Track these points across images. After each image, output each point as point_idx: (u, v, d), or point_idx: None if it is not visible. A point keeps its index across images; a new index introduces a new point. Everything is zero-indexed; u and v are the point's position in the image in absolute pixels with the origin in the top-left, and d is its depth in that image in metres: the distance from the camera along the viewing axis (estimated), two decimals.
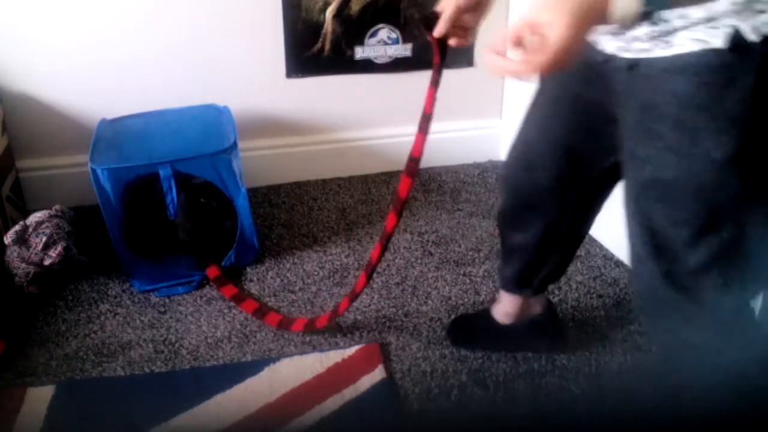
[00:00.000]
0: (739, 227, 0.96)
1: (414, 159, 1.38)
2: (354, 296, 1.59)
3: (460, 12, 1.12)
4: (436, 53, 1.22)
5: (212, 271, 1.83)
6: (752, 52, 0.83)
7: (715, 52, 0.84)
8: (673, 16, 0.87)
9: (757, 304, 1.55)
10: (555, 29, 0.82)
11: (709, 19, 0.84)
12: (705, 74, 0.87)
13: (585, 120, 1.17)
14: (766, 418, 1.12)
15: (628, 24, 0.86)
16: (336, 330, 1.70)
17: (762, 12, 0.81)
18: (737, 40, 0.83)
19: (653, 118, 0.95)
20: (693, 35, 0.86)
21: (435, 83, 1.30)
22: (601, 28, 0.93)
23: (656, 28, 0.89)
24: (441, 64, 1.25)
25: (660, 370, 1.31)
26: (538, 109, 1.27)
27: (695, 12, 0.84)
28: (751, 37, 0.82)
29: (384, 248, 1.49)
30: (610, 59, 1.01)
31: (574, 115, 1.19)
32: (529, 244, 1.41)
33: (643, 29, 0.91)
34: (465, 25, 1.16)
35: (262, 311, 1.74)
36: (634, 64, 0.95)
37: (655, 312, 1.11)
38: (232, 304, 1.79)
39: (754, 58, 0.83)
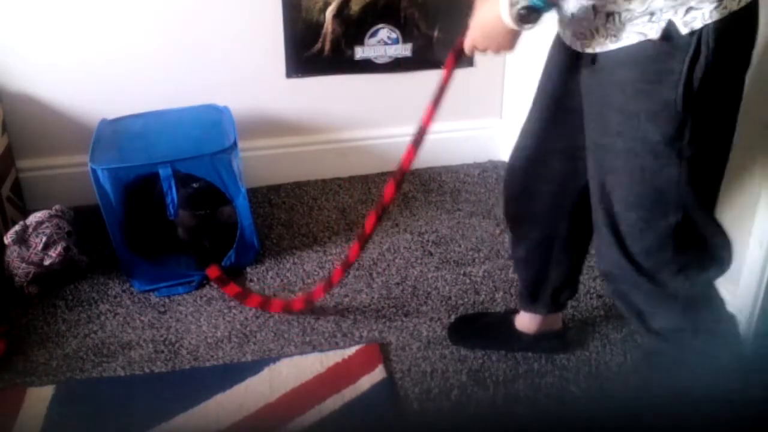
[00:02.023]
0: (685, 211, 1.03)
1: (403, 171, 1.46)
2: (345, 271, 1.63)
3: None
4: (447, 75, 1.33)
5: (213, 271, 1.83)
6: (684, 43, 0.94)
7: (652, 42, 0.96)
8: (621, 10, 0.97)
9: (755, 312, 1.55)
10: (484, 46, 1.14)
11: (650, 14, 0.95)
12: (644, 62, 0.98)
13: (570, 122, 1.22)
14: (755, 417, 1.13)
15: (527, 24, 1.03)
16: (336, 330, 1.70)
17: (693, 9, 0.93)
18: (670, 33, 0.94)
19: (606, 107, 1.05)
20: (636, 29, 0.97)
21: (436, 103, 1.40)
22: (566, 29, 1.10)
23: (609, 24, 1.00)
24: (446, 86, 1.37)
25: (640, 366, 1.34)
26: (531, 121, 1.34)
27: (637, 7, 0.95)
28: (683, 30, 0.93)
29: (362, 249, 1.56)
30: (580, 57, 1.11)
31: (561, 120, 1.26)
32: (529, 254, 1.44)
33: (600, 22, 1.01)
34: None
35: (266, 302, 1.75)
36: (594, 59, 1.06)
37: (624, 292, 1.16)
38: (232, 303, 1.79)
39: (685, 49, 0.94)
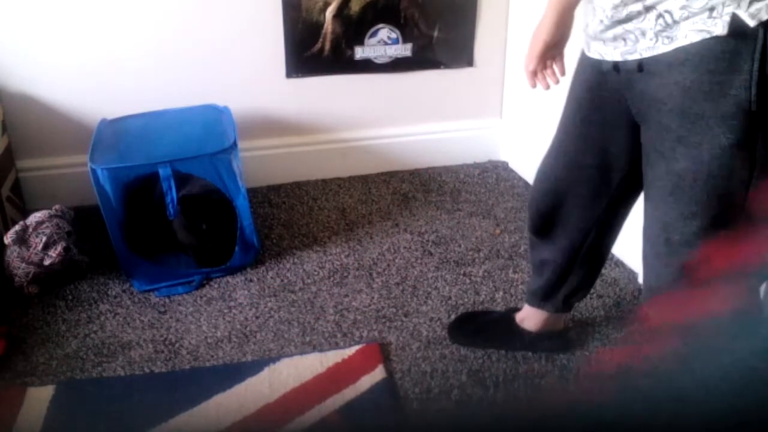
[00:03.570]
0: (741, 219, 0.97)
1: None
2: None
3: (547, 47, 1.20)
4: None
5: None
6: (751, 37, 0.86)
7: (716, 39, 0.88)
8: (676, 7, 0.90)
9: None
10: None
11: (710, 9, 0.88)
12: (709, 62, 0.90)
13: (600, 135, 1.21)
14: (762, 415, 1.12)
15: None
16: (336, 330, 1.70)
17: (756, 0, 0.85)
18: (737, 27, 0.86)
19: (663, 113, 0.98)
20: (694, 26, 0.89)
21: None
22: (599, 37, 1.03)
23: (660, 21, 0.93)
24: None
25: (669, 369, 1.33)
26: (562, 132, 1.31)
27: (696, 2, 0.88)
28: (750, 22, 0.86)
29: None
30: (617, 66, 1.05)
31: (591, 135, 1.24)
32: (556, 257, 1.44)
33: (649, 24, 0.95)
34: (552, 58, 1.24)
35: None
36: (641, 65, 0.99)
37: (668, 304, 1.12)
38: (232, 303, 1.79)
39: (754, 43, 0.86)
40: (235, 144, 1.84)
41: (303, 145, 2.40)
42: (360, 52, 2.31)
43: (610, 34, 1.03)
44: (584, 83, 1.21)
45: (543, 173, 1.38)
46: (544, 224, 1.42)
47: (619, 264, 1.93)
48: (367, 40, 2.29)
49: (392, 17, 2.28)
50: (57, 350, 1.64)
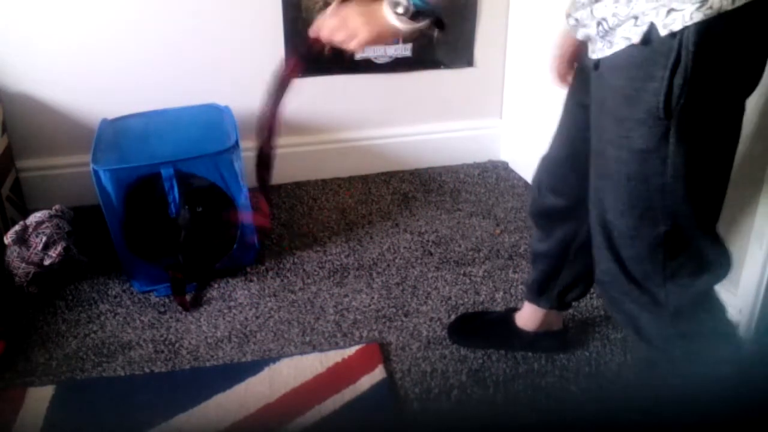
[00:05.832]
0: (674, 220, 1.01)
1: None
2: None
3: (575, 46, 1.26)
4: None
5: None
6: (666, 46, 0.89)
7: (635, 47, 0.92)
8: (608, 14, 0.95)
9: (755, 312, 1.55)
10: (358, 35, 1.15)
11: (634, 17, 0.92)
12: (629, 68, 0.95)
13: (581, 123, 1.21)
14: (760, 413, 1.12)
15: (410, 34, 1.10)
16: (336, 330, 1.70)
17: (674, 10, 0.88)
18: (650, 36, 0.90)
19: (602, 113, 1.03)
20: (623, 34, 0.94)
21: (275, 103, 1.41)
22: (581, 33, 1.07)
23: (600, 28, 0.98)
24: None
25: (639, 370, 1.34)
26: (561, 125, 1.33)
27: (622, 10, 0.92)
28: (663, 32, 0.89)
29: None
30: (591, 63, 1.08)
31: (585, 122, 1.22)
32: (550, 250, 1.45)
33: (593, 30, 0.99)
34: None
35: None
36: (596, 64, 1.03)
37: (615, 299, 1.15)
38: (232, 303, 1.79)
39: (667, 53, 0.90)
40: (237, 144, 1.84)
41: (303, 145, 2.40)
42: (360, 52, 2.31)
43: (580, 33, 1.08)
44: (581, 69, 1.23)
45: (547, 152, 1.38)
46: (541, 208, 1.43)
47: None
48: None
49: None
50: (57, 350, 1.64)
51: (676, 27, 0.88)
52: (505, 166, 2.55)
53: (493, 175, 2.48)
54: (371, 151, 2.47)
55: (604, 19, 0.96)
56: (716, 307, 1.13)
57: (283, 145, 2.38)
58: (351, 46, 1.19)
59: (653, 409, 1.29)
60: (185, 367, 1.59)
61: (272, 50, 2.24)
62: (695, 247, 1.04)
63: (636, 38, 0.92)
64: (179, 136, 1.93)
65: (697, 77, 0.90)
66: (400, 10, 1.07)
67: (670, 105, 0.92)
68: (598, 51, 1.01)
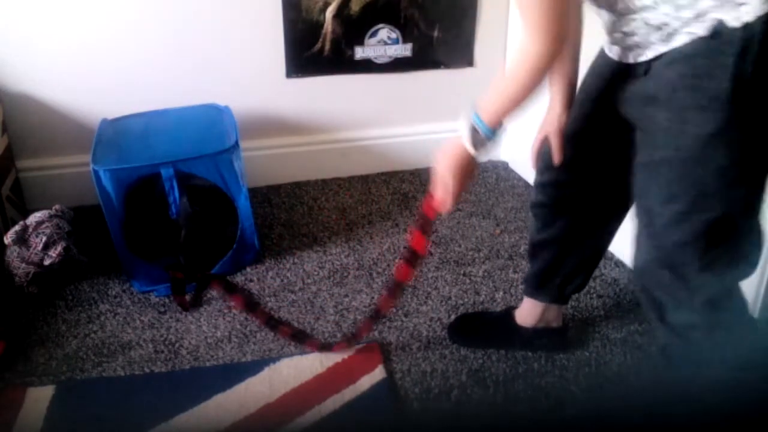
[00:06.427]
0: (724, 207, 1.04)
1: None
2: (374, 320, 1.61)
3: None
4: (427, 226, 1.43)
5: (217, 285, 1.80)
6: (732, 36, 0.96)
7: (701, 39, 0.98)
8: (669, 19, 1.01)
9: (757, 303, 1.55)
10: (450, 186, 1.30)
11: (698, 16, 0.98)
12: (694, 58, 1.00)
13: (606, 124, 1.26)
14: (761, 414, 1.12)
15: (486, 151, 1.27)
16: (336, 330, 1.70)
17: (742, 4, 0.96)
18: (718, 29, 0.97)
19: (653, 106, 1.07)
20: (686, 29, 1.00)
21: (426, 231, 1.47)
22: (615, 44, 1.16)
23: (661, 33, 1.03)
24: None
25: (657, 361, 1.34)
26: (573, 120, 1.36)
27: (686, 13, 0.98)
28: (733, 24, 0.95)
29: (393, 297, 1.56)
30: (631, 67, 1.13)
31: (598, 121, 1.30)
32: (551, 241, 1.47)
33: (648, 36, 1.05)
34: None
35: (273, 323, 1.66)
36: (647, 68, 1.09)
37: (647, 285, 1.17)
38: (232, 303, 1.79)
39: (734, 43, 0.96)
40: (236, 144, 1.84)
41: (303, 145, 2.40)
42: (360, 52, 2.31)
43: (625, 42, 1.12)
44: (602, 68, 1.26)
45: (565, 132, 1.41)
46: (549, 193, 1.44)
47: (619, 264, 1.93)
48: (367, 40, 2.29)
49: (392, 17, 2.28)
50: (57, 350, 1.64)
51: (749, 18, 0.95)
52: (505, 166, 2.55)
53: (493, 175, 2.48)
54: (371, 151, 2.47)
55: (665, 24, 1.02)
56: (741, 299, 1.15)
57: (283, 145, 2.40)
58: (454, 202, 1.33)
59: (653, 409, 1.29)
60: (185, 367, 1.59)
61: (272, 50, 2.24)
62: (737, 236, 1.07)
63: (702, 32, 0.98)
64: (179, 136, 1.93)
65: (762, 63, 0.96)
66: (479, 142, 1.26)
67: (738, 91, 0.97)
68: (649, 53, 1.07)
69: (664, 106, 1.05)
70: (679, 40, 1.01)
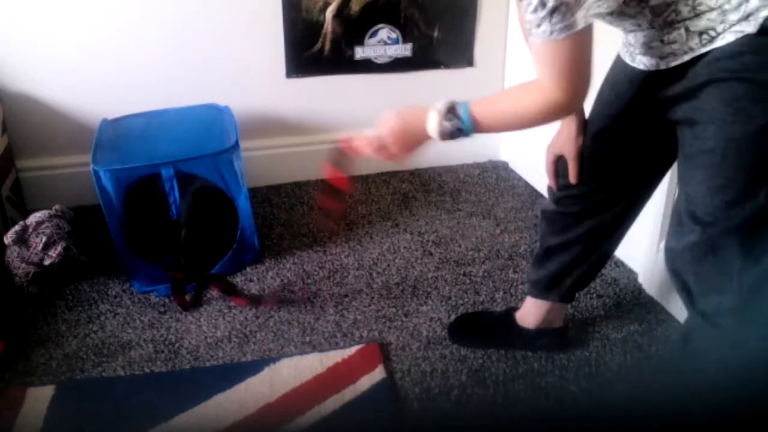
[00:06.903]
0: None
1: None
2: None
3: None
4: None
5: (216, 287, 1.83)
6: None
7: (748, 37, 1.00)
8: (715, 24, 1.02)
9: None
10: (395, 151, 1.32)
11: (746, 16, 1.00)
12: (743, 53, 1.01)
13: (631, 130, 1.27)
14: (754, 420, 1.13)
15: (446, 137, 1.21)
16: (336, 330, 1.70)
17: None
18: (766, 25, 0.99)
19: (699, 100, 1.08)
20: (732, 30, 1.01)
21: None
22: (641, 55, 1.17)
23: (705, 36, 1.05)
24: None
25: (678, 351, 1.34)
26: (593, 138, 1.35)
27: (732, 17, 1.01)
28: None
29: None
30: (662, 72, 1.13)
31: (624, 137, 1.30)
32: (572, 243, 1.46)
33: (694, 41, 1.06)
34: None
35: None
36: (683, 71, 1.09)
37: (681, 270, 1.17)
38: (233, 303, 1.79)
39: None
40: (236, 144, 1.84)
41: (303, 145, 2.40)
42: (360, 52, 2.31)
43: (659, 51, 1.13)
44: (624, 73, 1.25)
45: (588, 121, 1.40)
46: (565, 210, 1.44)
47: (619, 264, 1.94)
48: (367, 40, 2.29)
49: (392, 17, 2.28)
50: (57, 350, 1.64)
51: None
52: (505, 166, 2.55)
53: (493, 175, 2.48)
54: None
55: (710, 29, 1.03)
56: None
57: (283, 145, 2.40)
58: (386, 160, 1.31)
59: (654, 409, 1.29)
60: (185, 367, 1.59)
61: (272, 50, 2.24)
62: None
63: (751, 29, 1.00)
64: (179, 136, 1.93)
65: None
66: (448, 126, 1.19)
67: None
68: (686, 57, 1.08)
69: (713, 99, 1.05)
70: (724, 40, 1.02)
